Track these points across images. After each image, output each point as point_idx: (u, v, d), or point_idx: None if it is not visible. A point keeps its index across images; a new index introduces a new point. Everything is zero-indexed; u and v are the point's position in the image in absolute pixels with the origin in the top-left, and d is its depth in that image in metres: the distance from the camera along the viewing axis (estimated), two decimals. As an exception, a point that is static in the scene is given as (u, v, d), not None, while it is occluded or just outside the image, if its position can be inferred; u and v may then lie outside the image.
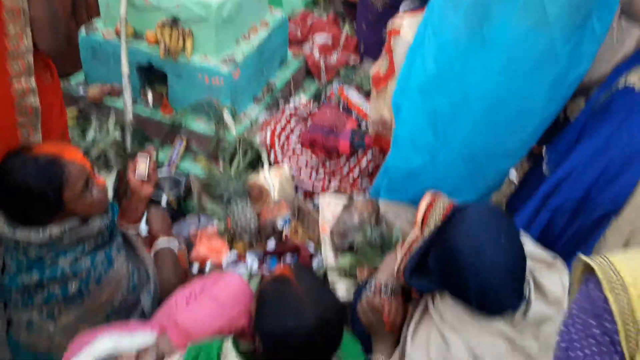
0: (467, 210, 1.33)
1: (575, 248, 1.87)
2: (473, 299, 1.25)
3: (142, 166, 1.78)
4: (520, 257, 1.27)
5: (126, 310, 1.46)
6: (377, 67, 2.27)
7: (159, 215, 1.81)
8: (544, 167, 2.07)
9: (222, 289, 1.39)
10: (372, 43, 3.53)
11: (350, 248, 2.03)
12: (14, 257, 1.41)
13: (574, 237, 1.85)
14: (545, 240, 1.92)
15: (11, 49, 1.50)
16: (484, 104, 1.80)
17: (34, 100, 1.60)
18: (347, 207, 2.17)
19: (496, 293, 1.23)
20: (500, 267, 1.22)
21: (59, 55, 1.70)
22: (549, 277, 1.38)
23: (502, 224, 1.29)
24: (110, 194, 2.33)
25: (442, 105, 1.87)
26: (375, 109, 2.31)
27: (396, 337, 1.49)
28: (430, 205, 1.45)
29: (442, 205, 1.44)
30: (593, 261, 0.89)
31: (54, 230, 1.37)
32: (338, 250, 2.09)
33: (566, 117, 2.17)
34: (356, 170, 2.55)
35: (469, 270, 1.23)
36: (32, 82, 1.58)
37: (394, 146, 2.13)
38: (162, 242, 1.70)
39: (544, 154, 2.11)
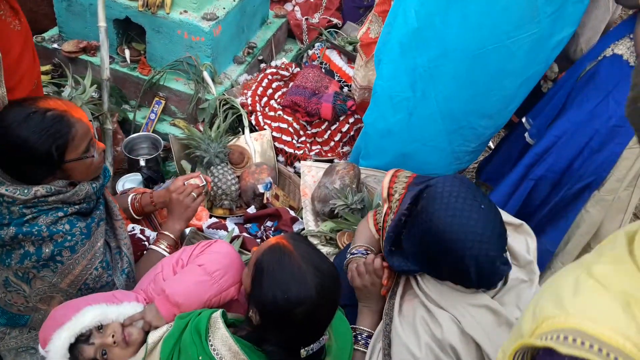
0: (437, 184, 1.25)
1: (556, 219, 1.92)
2: (473, 277, 1.19)
3: (195, 183, 1.67)
4: (501, 221, 1.23)
5: (100, 290, 1.44)
6: (366, 30, 2.23)
7: (183, 214, 1.66)
8: (527, 136, 2.09)
9: (210, 257, 1.36)
10: (352, 2, 3.47)
11: (332, 213, 2.05)
12: None
13: (554, 208, 1.90)
14: (525, 210, 1.97)
15: None
16: (462, 59, 1.78)
17: None
18: (328, 172, 2.17)
19: (493, 263, 1.18)
20: (492, 235, 1.18)
21: None
22: (517, 240, 1.40)
23: (474, 191, 1.24)
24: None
25: (422, 60, 1.84)
26: (365, 76, 2.28)
27: (382, 303, 1.44)
28: (393, 177, 1.43)
29: (405, 175, 1.42)
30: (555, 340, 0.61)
31: (40, 190, 1.32)
32: (319, 215, 2.10)
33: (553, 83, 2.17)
34: (338, 135, 2.55)
35: (462, 247, 1.17)
36: None
37: (372, 104, 2.10)
38: (162, 246, 1.62)
39: (525, 123, 2.13)
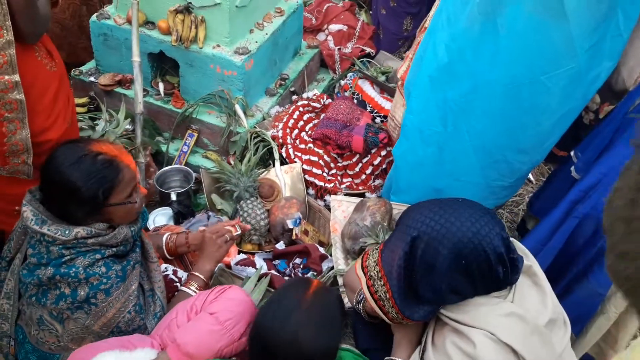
0: (421, 231, 1.37)
1: (600, 264, 1.81)
2: (500, 270, 1.32)
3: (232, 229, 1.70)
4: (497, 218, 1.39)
5: (132, 333, 1.43)
6: (406, 68, 2.20)
7: (213, 256, 1.68)
8: (573, 170, 2.00)
9: (223, 305, 1.34)
10: (390, 33, 3.44)
11: (362, 252, 1.99)
12: (36, 249, 1.40)
13: (599, 252, 1.79)
14: (571, 249, 1.87)
15: None
16: (494, 94, 1.73)
17: (18, 95, 1.57)
18: (358, 208, 2.12)
19: (508, 246, 1.34)
20: (491, 218, 1.34)
21: (35, 41, 1.63)
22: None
23: (444, 201, 1.45)
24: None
25: (453, 94, 1.81)
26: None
27: (420, 332, 1.50)
28: (365, 254, 1.54)
29: (374, 248, 1.53)
30: None
31: (81, 231, 1.34)
32: (349, 253, 2.05)
33: (598, 119, 2.08)
34: (369, 168, 2.49)
35: (480, 240, 1.30)
36: (16, 76, 1.54)
37: (402, 136, 2.08)
38: (192, 287, 1.62)
39: (573, 156, 2.04)
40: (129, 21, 2.50)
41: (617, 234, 0.58)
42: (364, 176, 2.49)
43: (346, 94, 3.06)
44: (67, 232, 1.34)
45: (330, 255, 2.09)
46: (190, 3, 2.43)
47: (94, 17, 2.64)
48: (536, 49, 1.61)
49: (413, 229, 1.40)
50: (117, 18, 2.61)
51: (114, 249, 1.41)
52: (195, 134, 2.62)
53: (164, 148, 2.64)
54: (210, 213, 2.25)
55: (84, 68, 2.80)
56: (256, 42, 2.62)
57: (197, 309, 1.38)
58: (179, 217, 2.27)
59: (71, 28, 2.86)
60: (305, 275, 1.99)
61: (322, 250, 2.10)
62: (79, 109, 2.65)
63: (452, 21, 1.74)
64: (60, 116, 1.73)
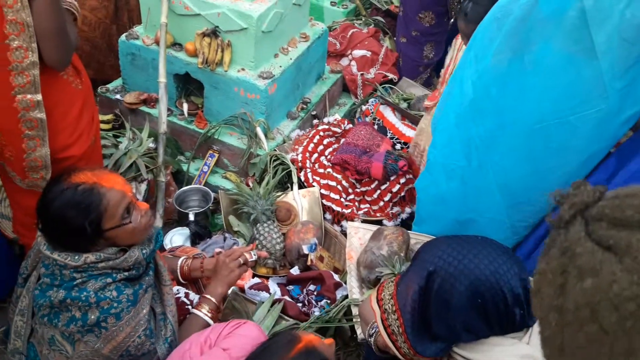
0: (432, 242, 1.38)
1: None
2: (517, 313, 1.30)
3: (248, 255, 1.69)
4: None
5: (142, 357, 1.42)
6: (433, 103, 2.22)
7: (225, 280, 1.65)
8: None
9: (237, 341, 1.32)
10: (411, 60, 3.45)
11: (377, 282, 1.96)
12: (49, 269, 1.41)
13: None
14: None
15: (14, 63, 1.50)
16: (520, 132, 1.70)
17: (39, 114, 1.60)
18: (375, 236, 2.10)
19: (525, 287, 1.31)
20: (516, 273, 1.31)
21: (63, 68, 1.67)
22: None
23: (461, 237, 1.44)
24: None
25: (478, 131, 1.79)
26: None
27: None
28: (381, 286, 1.52)
29: (390, 280, 1.52)
30: None
31: (90, 256, 1.35)
32: (364, 282, 2.02)
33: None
34: (387, 195, 2.48)
35: (498, 279, 1.29)
36: (38, 96, 1.58)
37: (425, 170, 2.07)
38: (204, 310, 1.60)
39: None
40: (157, 42, 2.55)
41: (551, 326, 0.53)
42: (382, 203, 2.48)
43: (367, 119, 3.07)
44: (76, 257, 1.35)
45: (345, 283, 2.07)
46: (218, 27, 2.48)
47: (123, 37, 2.71)
48: (565, 87, 1.57)
49: (430, 264, 1.38)
50: (146, 39, 2.67)
51: (126, 273, 1.41)
52: (216, 155, 2.65)
53: (184, 167, 2.66)
54: (226, 234, 2.25)
55: (110, 86, 2.86)
56: (280, 66, 2.65)
57: (211, 342, 1.37)
58: (196, 238, 2.28)
59: (100, 46, 2.94)
60: (320, 303, 1.97)
61: (336, 277, 2.08)
62: (103, 126, 2.70)
63: (479, 58, 1.73)
64: (84, 134, 1.76)
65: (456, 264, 1.34)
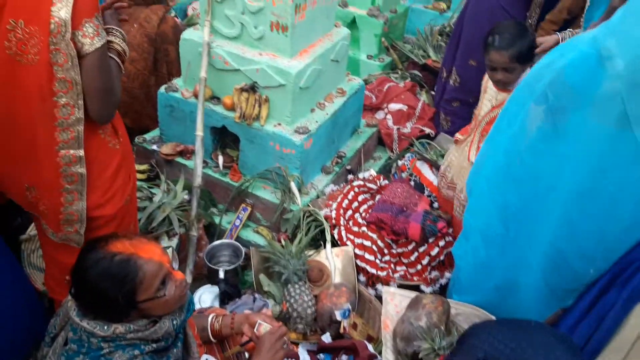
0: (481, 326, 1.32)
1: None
2: None
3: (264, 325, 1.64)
4: None
5: None
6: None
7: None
8: None
9: None
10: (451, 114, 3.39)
11: (415, 356, 1.84)
12: (77, 334, 1.37)
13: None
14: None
15: (60, 119, 1.52)
16: (557, 200, 1.63)
17: (80, 168, 1.60)
18: (413, 305, 1.99)
19: None
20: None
21: (107, 122, 1.68)
22: None
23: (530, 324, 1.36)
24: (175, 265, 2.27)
25: (513, 198, 1.75)
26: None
27: None
28: None
29: None
30: None
31: (120, 327, 1.31)
32: (400, 354, 1.90)
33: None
34: (426, 259, 2.37)
35: None
36: (81, 151, 1.58)
37: (462, 236, 2.00)
38: None
39: None
40: (196, 95, 2.57)
41: None
42: (419, 266, 2.37)
43: (403, 175, 3.00)
44: (105, 327, 1.30)
45: (380, 354, 1.95)
46: (256, 82, 2.49)
47: (162, 89, 2.74)
48: (600, 157, 1.52)
49: (479, 350, 1.28)
50: (185, 91, 2.70)
51: (155, 344, 1.35)
52: (249, 208, 2.61)
53: (217, 220, 2.63)
54: (256, 295, 2.18)
55: (147, 136, 2.88)
56: (316, 121, 2.63)
57: None
58: (225, 297, 2.21)
59: (139, 97, 2.98)
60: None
61: (371, 348, 1.97)
62: (138, 176, 2.71)
63: (511, 123, 1.69)
64: (118, 193, 1.74)
65: (508, 352, 1.24)
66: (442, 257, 2.39)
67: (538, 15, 2.98)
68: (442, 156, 2.98)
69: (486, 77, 2.35)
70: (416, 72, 3.81)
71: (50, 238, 1.77)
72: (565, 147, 1.55)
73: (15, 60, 1.43)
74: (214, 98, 2.66)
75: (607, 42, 1.39)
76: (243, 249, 2.45)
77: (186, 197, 2.54)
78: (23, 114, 1.51)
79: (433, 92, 3.63)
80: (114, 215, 1.73)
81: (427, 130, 3.32)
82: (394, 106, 3.42)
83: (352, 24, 4.04)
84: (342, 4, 4.04)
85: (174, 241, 2.35)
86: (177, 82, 2.79)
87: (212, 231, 2.62)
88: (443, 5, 4.78)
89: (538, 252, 1.78)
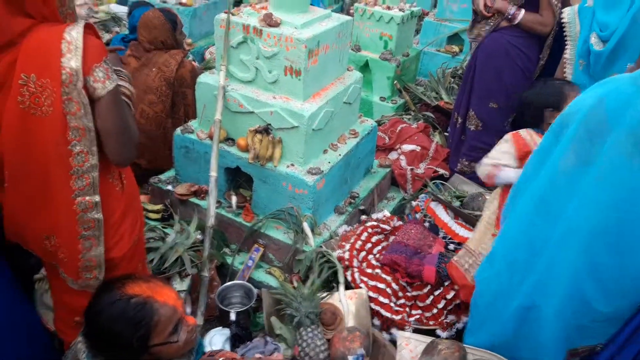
0: None
1: None
2: None
3: None
4: None
5: None
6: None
7: None
8: None
9: None
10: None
11: (431, 404, 1.78)
12: None
13: None
14: None
15: (75, 167, 1.52)
16: (582, 232, 1.61)
17: (97, 214, 1.61)
18: (429, 349, 1.93)
19: None
20: None
21: (128, 164, 1.69)
22: None
23: None
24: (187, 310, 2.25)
25: (540, 227, 1.73)
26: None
27: None
28: None
29: None
30: None
31: None
32: (416, 403, 1.84)
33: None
34: (442, 302, 2.32)
35: None
36: (96, 197, 1.58)
37: (487, 260, 1.97)
38: None
39: None
40: (211, 137, 2.61)
41: None
42: (435, 310, 2.31)
43: (417, 216, 2.97)
44: None
45: (395, 403, 1.88)
46: (270, 125, 2.52)
47: (178, 131, 2.80)
48: (628, 191, 1.50)
49: None
50: (200, 133, 2.75)
51: None
52: (262, 249, 2.59)
53: (229, 260, 2.61)
54: (268, 338, 2.13)
55: (162, 176, 2.92)
56: (329, 162, 2.64)
57: None
58: (236, 340, 2.17)
59: (155, 138, 3.04)
60: None
61: (385, 395, 1.90)
62: (152, 215, 2.73)
63: (548, 154, 1.69)
64: (125, 236, 1.74)
65: None
66: (458, 301, 2.33)
67: (547, 56, 3.02)
68: (457, 197, 2.96)
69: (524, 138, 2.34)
70: (429, 113, 3.84)
71: (67, 285, 1.75)
72: (596, 176, 1.54)
73: (30, 114, 1.44)
74: (229, 139, 2.70)
75: None
76: (255, 291, 2.42)
77: (199, 237, 2.54)
78: (38, 164, 1.52)
79: (446, 134, 3.65)
80: (122, 257, 1.73)
81: (441, 171, 3.31)
82: (407, 147, 3.43)
83: (365, 67, 4.12)
84: (354, 48, 4.14)
85: (186, 282, 2.33)
86: (192, 124, 2.84)
87: (224, 272, 2.61)
88: (455, 49, 4.87)
89: (559, 283, 1.75)
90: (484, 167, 2.34)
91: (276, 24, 2.43)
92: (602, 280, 1.69)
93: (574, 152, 1.60)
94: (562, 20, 2.72)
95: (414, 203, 3.07)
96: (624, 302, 1.75)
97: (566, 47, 2.73)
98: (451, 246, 2.67)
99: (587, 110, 1.56)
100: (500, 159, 2.31)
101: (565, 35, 2.73)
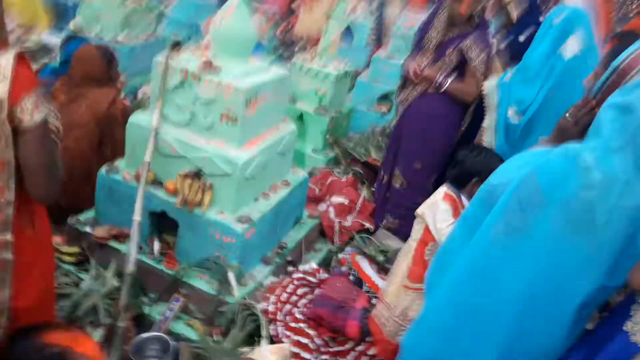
0: None
1: None
2: None
3: None
4: None
5: None
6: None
7: None
8: None
9: None
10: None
11: None
12: None
13: None
14: None
15: None
16: (513, 299, 1.65)
17: (7, 254, 1.49)
18: (349, 409, 1.91)
19: None
20: None
21: (50, 201, 1.59)
22: None
23: None
24: None
25: (469, 293, 1.75)
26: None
27: None
28: None
29: None
30: None
31: None
32: None
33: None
34: (363, 359, 2.32)
35: None
36: (8, 235, 1.48)
37: (415, 325, 1.96)
38: None
39: None
40: (138, 179, 2.53)
41: None
42: (357, 367, 2.31)
43: (343, 268, 3.00)
44: None
45: None
46: (202, 170, 2.49)
47: (103, 170, 2.68)
48: (554, 261, 1.55)
49: None
50: (126, 174, 2.65)
51: None
52: (182, 299, 2.48)
53: (147, 310, 2.48)
54: (184, 396, 2.02)
55: (81, 217, 2.76)
56: (259, 211, 2.63)
57: None
58: (149, 398, 2.03)
59: (77, 176, 2.88)
60: None
61: None
62: (67, 258, 2.56)
63: (476, 223, 1.72)
64: (32, 285, 1.58)
65: None
66: (381, 358, 2.35)
67: (469, 122, 3.24)
68: (381, 251, 3.03)
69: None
70: (358, 168, 3.96)
71: None
72: (530, 246, 1.57)
73: None
74: (157, 182, 2.62)
75: (586, 155, 1.50)
76: (172, 344, 2.30)
77: (116, 284, 2.40)
78: None
79: (373, 189, 3.76)
80: (27, 308, 1.56)
81: (367, 225, 3.39)
82: (336, 199, 3.50)
83: (300, 119, 4.21)
84: (290, 100, 4.23)
85: (99, 332, 2.18)
86: (119, 163, 2.74)
87: (143, 322, 2.46)
88: (384, 108, 5.12)
89: (488, 350, 1.78)
90: (446, 230, 2.24)
91: (216, 71, 2.45)
92: (532, 348, 1.75)
93: (506, 222, 1.64)
94: (482, 92, 2.95)
95: (340, 256, 3.10)
96: None
97: (485, 116, 2.95)
98: (374, 300, 2.71)
99: (518, 182, 1.63)
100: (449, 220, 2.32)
101: (484, 105, 2.96)
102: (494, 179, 1.73)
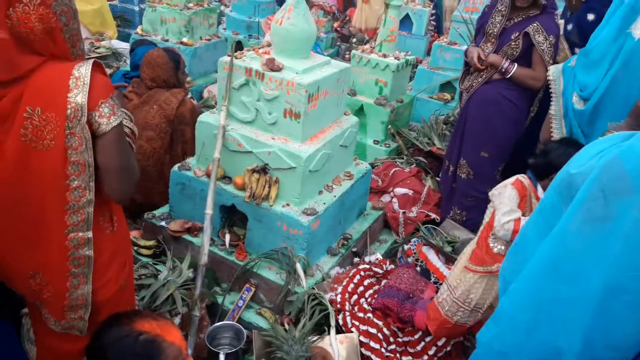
0: None
1: None
2: None
3: None
4: None
5: None
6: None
7: None
8: None
9: None
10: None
11: None
12: None
13: None
14: None
15: (71, 202, 1.51)
16: (597, 289, 1.59)
17: (88, 251, 1.59)
18: (420, 398, 1.92)
19: None
20: None
21: (125, 201, 1.69)
22: None
23: None
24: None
25: (552, 292, 1.69)
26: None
27: None
28: None
29: None
30: None
31: None
32: None
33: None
34: (432, 349, 2.31)
35: None
36: (89, 233, 1.57)
37: (491, 320, 1.93)
38: None
39: None
40: (208, 175, 2.64)
41: None
42: (426, 357, 2.30)
43: (409, 259, 2.99)
44: None
45: None
46: (267, 164, 2.56)
47: (175, 168, 2.82)
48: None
49: None
50: (197, 170, 2.78)
51: None
52: (253, 289, 2.58)
53: (219, 300, 2.59)
54: (257, 381, 2.10)
55: (156, 212, 2.92)
56: (324, 203, 2.67)
57: None
58: (225, 383, 2.13)
59: (151, 174, 3.05)
60: None
61: None
62: (144, 251, 2.72)
63: (555, 213, 1.68)
64: (112, 280, 1.71)
65: None
66: (449, 348, 2.33)
67: (537, 107, 3.12)
68: (448, 242, 2.99)
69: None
70: (421, 158, 3.91)
71: (49, 328, 1.70)
72: (614, 234, 1.53)
73: (31, 147, 1.44)
74: (225, 178, 2.72)
75: None
76: (245, 332, 2.39)
77: (191, 275, 2.52)
78: (34, 198, 1.50)
79: (438, 179, 3.71)
80: (106, 301, 1.69)
81: (433, 216, 3.35)
82: (400, 190, 3.48)
83: (360, 111, 4.22)
84: (350, 92, 4.24)
85: (176, 321, 2.31)
86: (190, 161, 2.87)
87: (214, 311, 2.58)
88: (447, 96, 5.01)
89: (569, 343, 1.73)
90: (506, 225, 2.20)
91: (278, 69, 2.50)
92: (615, 338, 1.68)
93: (588, 211, 1.58)
94: (548, 78, 2.82)
95: (405, 247, 3.09)
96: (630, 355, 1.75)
97: (551, 103, 2.83)
98: (442, 292, 2.68)
99: (600, 169, 1.57)
100: (514, 209, 2.24)
101: (551, 92, 2.83)
102: (571, 167, 1.66)
